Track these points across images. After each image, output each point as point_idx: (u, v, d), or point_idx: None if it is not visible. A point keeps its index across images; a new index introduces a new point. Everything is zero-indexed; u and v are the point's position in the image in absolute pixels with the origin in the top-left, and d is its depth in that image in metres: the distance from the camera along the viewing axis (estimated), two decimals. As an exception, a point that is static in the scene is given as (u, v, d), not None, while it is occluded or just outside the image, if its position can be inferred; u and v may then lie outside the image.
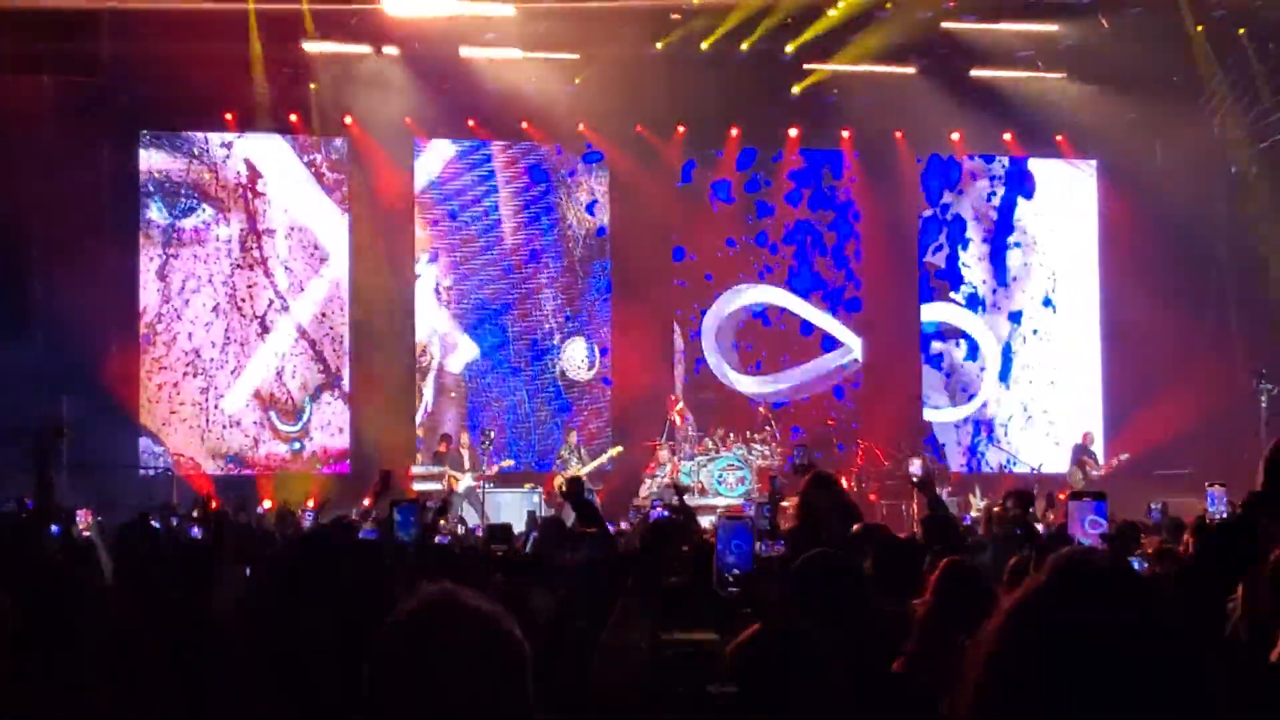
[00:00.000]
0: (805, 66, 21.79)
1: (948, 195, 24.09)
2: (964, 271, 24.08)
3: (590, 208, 22.96)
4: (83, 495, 14.89)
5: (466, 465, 19.80)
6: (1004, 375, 24.03)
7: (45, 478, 6.49)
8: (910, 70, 21.94)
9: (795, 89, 22.22)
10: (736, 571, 5.10)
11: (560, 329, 22.77)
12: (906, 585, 5.35)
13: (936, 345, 23.93)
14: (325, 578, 4.61)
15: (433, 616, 2.39)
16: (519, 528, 14.66)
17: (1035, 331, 24.16)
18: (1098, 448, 22.21)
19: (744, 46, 21.28)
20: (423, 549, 6.67)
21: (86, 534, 12.21)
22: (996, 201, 24.24)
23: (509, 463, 20.18)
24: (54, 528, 8.85)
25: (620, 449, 20.65)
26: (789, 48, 21.33)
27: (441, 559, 6.93)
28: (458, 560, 7.16)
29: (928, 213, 23.99)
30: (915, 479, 8.89)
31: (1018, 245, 24.23)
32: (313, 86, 21.36)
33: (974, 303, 24.06)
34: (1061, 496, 19.70)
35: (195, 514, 12.66)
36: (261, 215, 21.88)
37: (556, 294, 22.82)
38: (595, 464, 20.29)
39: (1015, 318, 24.14)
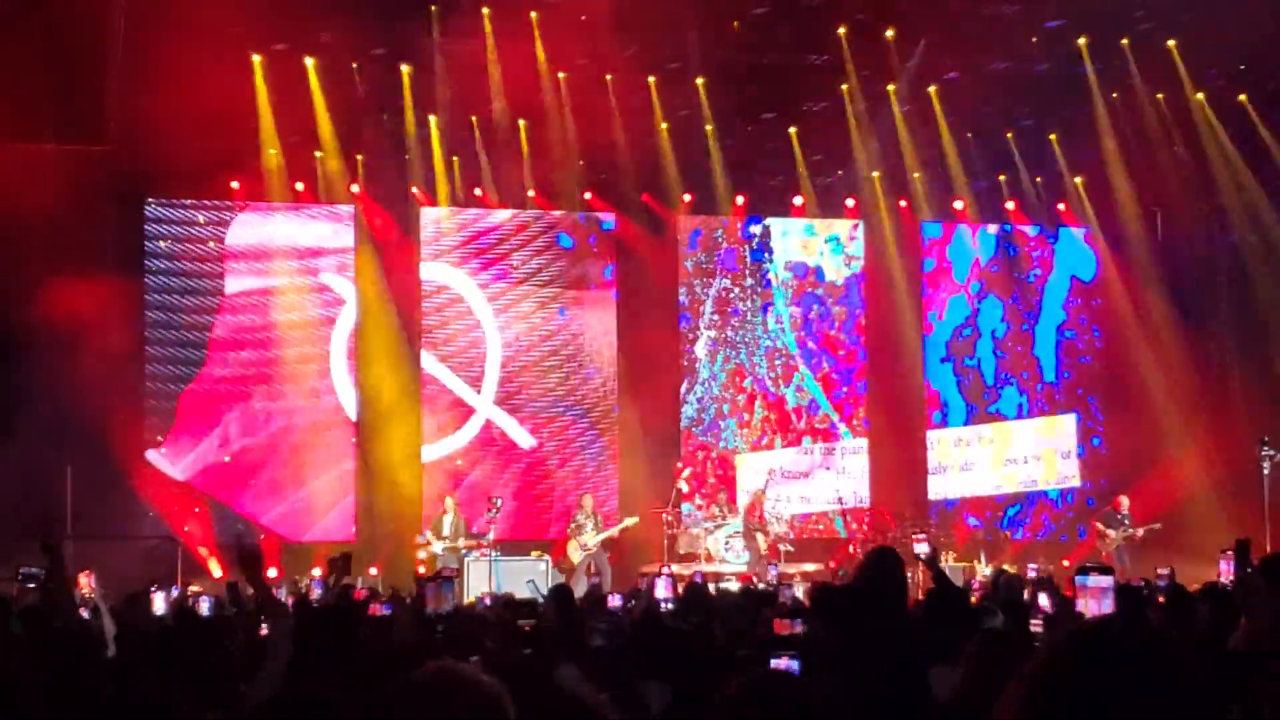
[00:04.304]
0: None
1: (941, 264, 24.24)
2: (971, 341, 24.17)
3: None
4: (85, 566, 14.87)
5: (446, 532, 19.54)
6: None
7: (53, 552, 6.51)
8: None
9: None
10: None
11: (566, 397, 22.74)
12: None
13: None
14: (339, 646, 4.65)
15: (434, 687, 2.52)
16: (519, 594, 14.65)
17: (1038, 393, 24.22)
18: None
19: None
20: (456, 619, 6.68)
21: (89, 595, 12.22)
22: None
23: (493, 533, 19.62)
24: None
25: (636, 519, 20.14)
26: None
27: (473, 630, 6.91)
28: (488, 632, 7.12)
29: (931, 283, 24.07)
30: (923, 557, 9.18)
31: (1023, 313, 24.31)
32: (319, 155, 21.49)
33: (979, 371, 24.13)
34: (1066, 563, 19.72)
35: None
36: (267, 286, 21.91)
37: (561, 369, 22.81)
38: (608, 533, 20.10)
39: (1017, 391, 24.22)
